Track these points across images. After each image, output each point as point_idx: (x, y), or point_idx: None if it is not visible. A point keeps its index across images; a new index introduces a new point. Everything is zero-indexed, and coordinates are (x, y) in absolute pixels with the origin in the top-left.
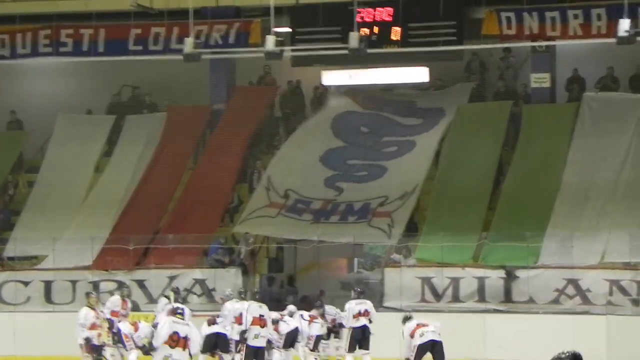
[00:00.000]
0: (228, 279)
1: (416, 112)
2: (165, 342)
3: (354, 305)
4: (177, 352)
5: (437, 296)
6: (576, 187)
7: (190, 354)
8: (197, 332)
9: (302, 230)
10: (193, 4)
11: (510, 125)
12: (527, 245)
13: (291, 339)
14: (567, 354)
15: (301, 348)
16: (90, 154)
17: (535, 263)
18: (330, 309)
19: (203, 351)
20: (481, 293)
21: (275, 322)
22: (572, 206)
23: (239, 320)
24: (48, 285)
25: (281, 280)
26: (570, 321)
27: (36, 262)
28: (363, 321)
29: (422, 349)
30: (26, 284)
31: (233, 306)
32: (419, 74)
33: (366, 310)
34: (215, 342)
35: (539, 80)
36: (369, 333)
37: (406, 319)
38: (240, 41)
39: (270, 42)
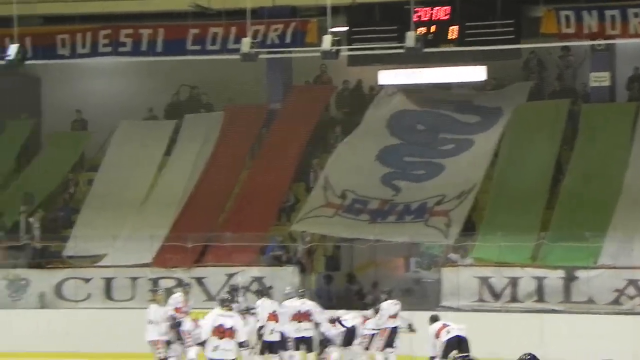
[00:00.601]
0: (285, 277)
1: (473, 110)
2: (213, 334)
3: (392, 306)
4: (225, 342)
5: (495, 296)
6: (638, 188)
7: (238, 344)
8: (241, 322)
9: (359, 230)
10: (250, 4)
11: (568, 124)
12: (586, 245)
13: (349, 338)
14: (529, 356)
15: (356, 347)
16: (151, 155)
17: (595, 263)
18: None
19: (262, 349)
20: (540, 293)
21: (334, 321)
22: (634, 207)
23: (296, 317)
24: (108, 282)
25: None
26: (630, 322)
27: (95, 260)
28: (396, 322)
29: (449, 345)
30: (87, 280)
31: (291, 304)
32: (476, 73)
33: (398, 312)
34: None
35: (599, 79)
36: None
37: (433, 320)
38: (296, 41)
39: (326, 41)
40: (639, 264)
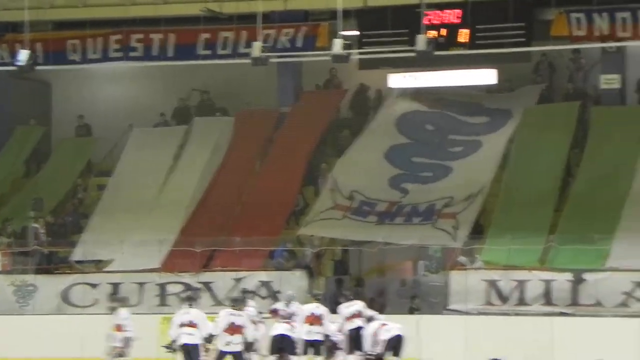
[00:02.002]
0: (293, 281)
1: (483, 111)
2: (225, 331)
3: (345, 309)
4: (236, 337)
5: (503, 299)
6: None
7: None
8: (248, 321)
9: (366, 232)
10: (261, 8)
11: (579, 127)
12: (595, 248)
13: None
14: None
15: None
16: (162, 160)
17: (603, 266)
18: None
19: (271, 352)
20: (548, 296)
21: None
22: None
23: (308, 320)
24: (116, 287)
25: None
26: (638, 324)
27: (103, 266)
28: (357, 322)
29: (390, 342)
30: (94, 286)
31: (306, 307)
32: (487, 76)
33: (359, 312)
34: (282, 344)
35: (609, 81)
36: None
37: (370, 320)
38: (307, 45)
39: (337, 45)
40: None
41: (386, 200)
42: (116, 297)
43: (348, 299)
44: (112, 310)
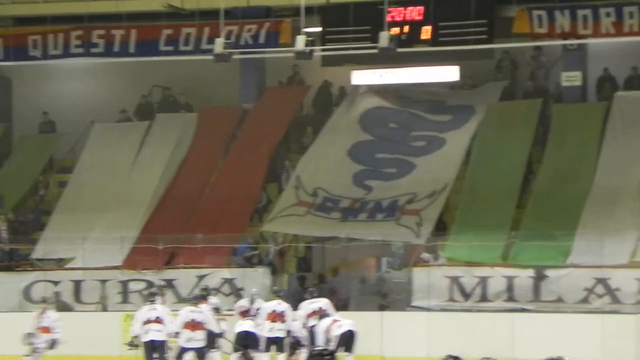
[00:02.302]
0: (256, 278)
1: (446, 109)
2: (186, 328)
3: (308, 306)
4: (197, 333)
5: (466, 296)
6: (607, 187)
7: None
8: (210, 316)
9: (330, 229)
10: (224, 4)
11: (540, 124)
12: (556, 244)
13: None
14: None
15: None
16: (124, 156)
17: (565, 262)
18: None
19: (235, 349)
20: (510, 292)
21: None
22: (603, 206)
23: (270, 317)
24: (77, 284)
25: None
26: (599, 320)
27: (65, 263)
28: (314, 321)
29: (342, 338)
30: (56, 283)
31: (267, 304)
32: (449, 73)
33: (320, 308)
34: (246, 341)
35: (570, 79)
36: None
37: (322, 317)
38: (270, 41)
39: (300, 42)
40: (607, 263)
41: (349, 196)
42: (46, 298)
43: (312, 296)
44: (42, 310)
